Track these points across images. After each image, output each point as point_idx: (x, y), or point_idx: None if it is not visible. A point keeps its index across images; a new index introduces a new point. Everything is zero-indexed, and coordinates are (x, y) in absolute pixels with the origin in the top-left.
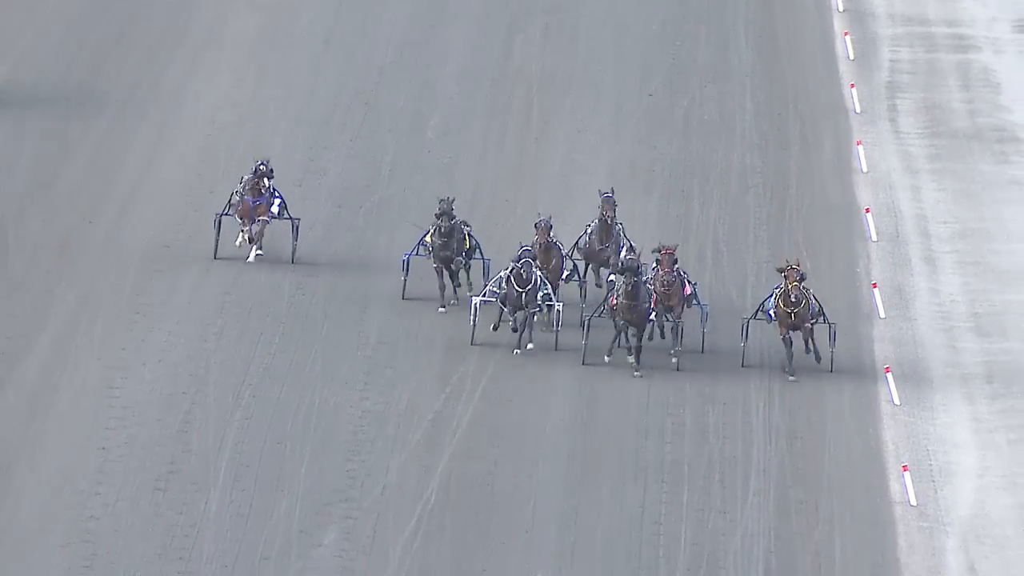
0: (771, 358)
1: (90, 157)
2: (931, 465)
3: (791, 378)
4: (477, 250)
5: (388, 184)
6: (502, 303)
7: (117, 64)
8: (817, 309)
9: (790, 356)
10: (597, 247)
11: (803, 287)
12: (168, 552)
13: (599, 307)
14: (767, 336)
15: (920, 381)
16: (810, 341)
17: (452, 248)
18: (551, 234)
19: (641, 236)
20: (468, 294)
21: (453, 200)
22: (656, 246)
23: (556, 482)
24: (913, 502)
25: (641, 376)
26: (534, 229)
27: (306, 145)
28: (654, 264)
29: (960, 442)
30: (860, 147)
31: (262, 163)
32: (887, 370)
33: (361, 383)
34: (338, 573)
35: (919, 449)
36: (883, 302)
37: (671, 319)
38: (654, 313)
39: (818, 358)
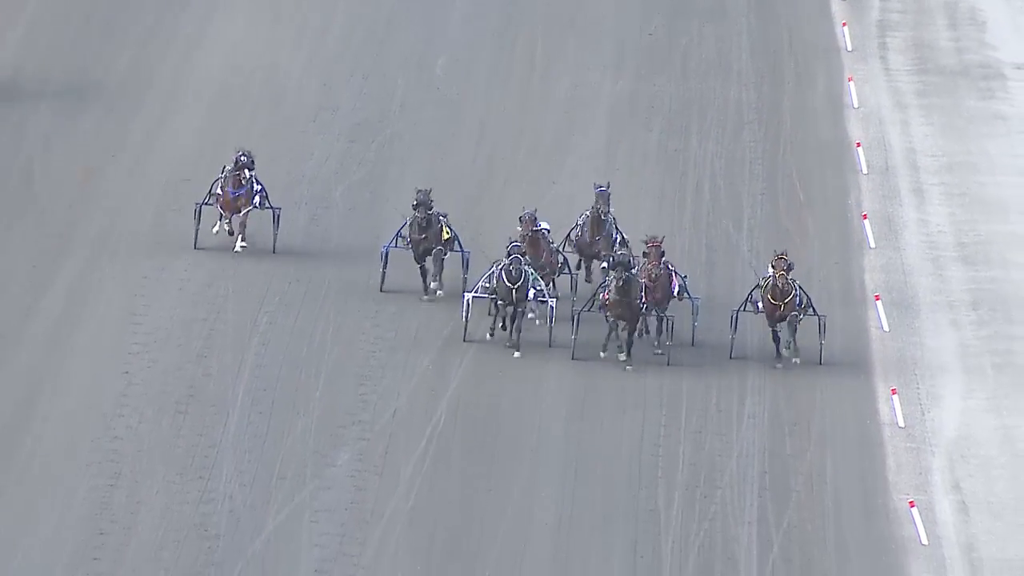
0: (762, 348)
1: (112, 96)
2: (919, 389)
3: (778, 366)
4: (456, 242)
5: (398, 119)
6: (493, 298)
7: (136, 9)
8: (805, 301)
9: (779, 347)
10: (588, 240)
11: (790, 279)
12: (189, 471)
13: (590, 301)
14: (756, 325)
15: (908, 308)
16: (795, 335)
17: (430, 240)
18: (536, 225)
19: (641, 171)
20: (439, 291)
21: (430, 191)
22: (644, 238)
23: (559, 407)
24: (901, 424)
25: (632, 370)
26: (519, 223)
27: (319, 83)
28: (642, 256)
29: (946, 366)
30: (851, 83)
31: (243, 154)
32: (877, 298)
33: (373, 312)
34: (351, 492)
35: (907, 373)
36: (873, 233)
37: (658, 312)
38: (645, 307)
39: (795, 354)
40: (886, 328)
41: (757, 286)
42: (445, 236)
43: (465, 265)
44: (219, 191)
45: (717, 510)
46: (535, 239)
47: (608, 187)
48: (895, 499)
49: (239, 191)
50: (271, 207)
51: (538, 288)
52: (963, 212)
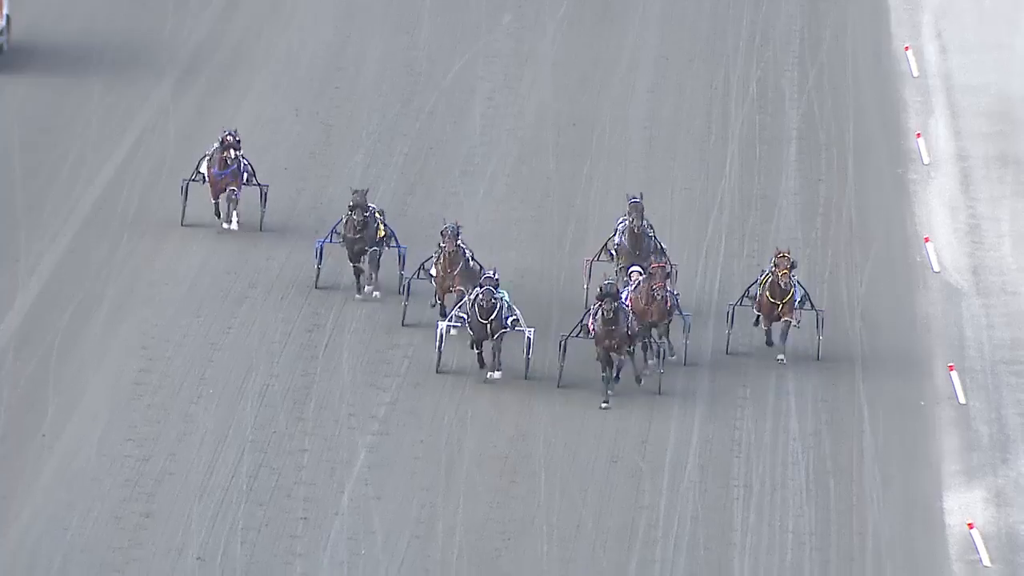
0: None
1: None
2: None
3: (780, 357)
4: (392, 238)
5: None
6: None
7: None
8: (802, 297)
9: (781, 338)
10: (630, 251)
11: (792, 277)
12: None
13: (576, 327)
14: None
15: None
16: (785, 340)
17: (365, 241)
18: (458, 240)
19: None
20: (375, 292)
21: (367, 191)
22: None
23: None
24: None
25: (608, 408)
26: (440, 236)
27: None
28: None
29: None
30: None
31: (229, 133)
32: None
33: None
34: (512, 43)
35: None
36: None
37: (656, 337)
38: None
39: (782, 351)
40: None
41: (756, 281)
42: (381, 234)
43: (402, 261)
44: (204, 171)
45: (769, 55)
46: (454, 255)
47: (641, 198)
48: (895, 45)
49: (225, 172)
50: (258, 184)
51: (514, 317)
52: None
